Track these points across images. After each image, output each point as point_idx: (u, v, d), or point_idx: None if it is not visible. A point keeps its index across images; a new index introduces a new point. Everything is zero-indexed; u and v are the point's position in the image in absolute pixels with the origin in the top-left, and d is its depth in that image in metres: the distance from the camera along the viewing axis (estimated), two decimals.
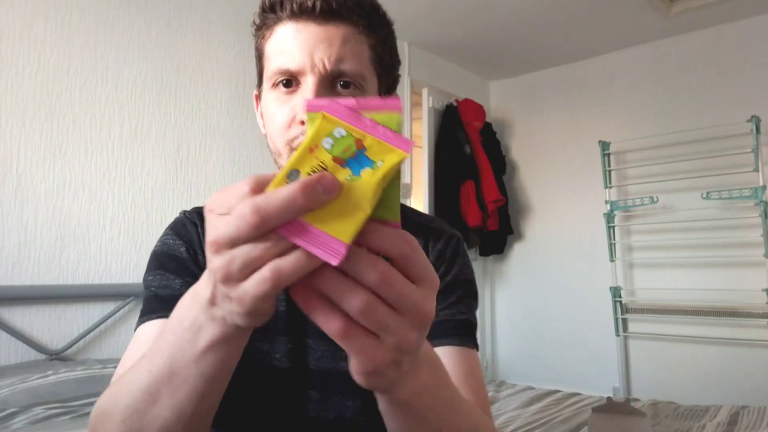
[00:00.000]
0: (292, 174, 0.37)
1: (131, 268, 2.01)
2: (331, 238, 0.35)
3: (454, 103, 3.43)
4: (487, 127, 3.59)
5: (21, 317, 1.74)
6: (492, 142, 3.58)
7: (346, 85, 0.67)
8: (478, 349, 0.74)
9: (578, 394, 1.99)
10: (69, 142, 1.89)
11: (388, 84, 0.74)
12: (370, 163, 0.37)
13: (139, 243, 2.04)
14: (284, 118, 0.67)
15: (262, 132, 0.74)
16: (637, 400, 2.00)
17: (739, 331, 2.91)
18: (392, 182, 0.38)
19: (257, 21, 0.71)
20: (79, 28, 1.94)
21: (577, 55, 3.53)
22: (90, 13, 1.97)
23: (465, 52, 3.51)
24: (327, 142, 0.38)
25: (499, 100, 3.99)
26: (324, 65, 0.65)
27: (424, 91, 3.29)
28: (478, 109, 3.51)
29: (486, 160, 3.39)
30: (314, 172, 0.37)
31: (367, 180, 0.37)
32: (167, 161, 2.15)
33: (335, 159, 0.37)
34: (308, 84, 0.65)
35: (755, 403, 1.92)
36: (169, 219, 2.13)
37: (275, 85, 0.68)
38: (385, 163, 0.37)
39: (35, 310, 1.77)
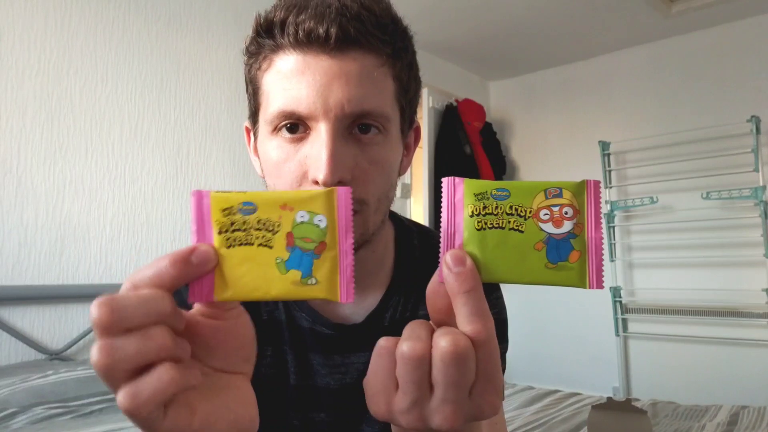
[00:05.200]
0: (248, 205, 0.36)
1: (131, 268, 2.00)
2: (210, 289, 0.35)
3: (454, 103, 3.43)
4: (487, 127, 3.59)
5: (21, 317, 1.74)
6: (492, 142, 3.58)
7: (365, 129, 0.56)
8: (503, 398, 0.71)
9: (578, 394, 1.99)
10: (69, 142, 1.88)
11: (410, 115, 0.64)
12: (309, 271, 0.35)
13: (139, 243, 2.04)
14: (292, 175, 0.55)
15: (258, 173, 0.64)
16: (637, 399, 2.00)
17: (739, 331, 2.91)
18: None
19: (250, 47, 0.59)
20: (79, 29, 1.94)
21: (577, 55, 3.53)
22: (90, 13, 1.97)
23: (465, 52, 3.51)
24: (301, 216, 0.36)
25: (499, 100, 3.99)
26: (342, 108, 0.53)
27: (424, 91, 3.29)
28: (478, 109, 3.51)
29: (486, 160, 3.39)
30: (250, 226, 0.35)
31: (290, 279, 0.35)
32: (167, 162, 2.15)
33: (288, 235, 0.35)
34: (321, 132, 0.53)
35: (755, 403, 1.92)
36: (170, 219, 2.14)
37: (277, 129, 0.56)
38: (315, 287, 0.35)
39: (35, 310, 1.77)
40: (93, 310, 0.32)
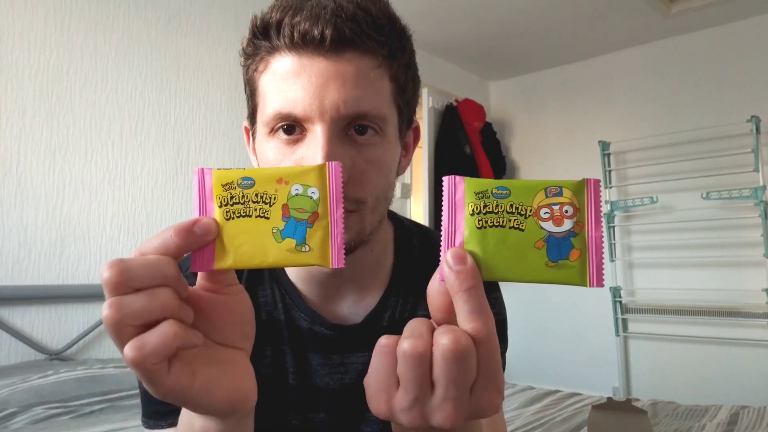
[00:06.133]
0: (247, 180, 0.38)
1: None
2: (211, 258, 0.37)
3: (454, 103, 3.43)
4: (487, 127, 3.59)
5: (21, 317, 1.74)
6: (492, 142, 3.58)
7: (362, 130, 0.56)
8: (504, 397, 0.71)
9: (578, 394, 1.99)
10: (69, 142, 1.88)
11: (408, 115, 0.64)
12: (303, 239, 0.37)
13: (139, 243, 2.03)
14: None
15: None
16: (637, 399, 2.00)
17: (739, 331, 2.91)
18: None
19: (247, 48, 0.59)
20: (79, 28, 1.94)
21: (576, 55, 3.53)
22: (90, 13, 1.97)
23: (464, 52, 3.51)
24: (296, 189, 0.38)
25: (499, 100, 3.99)
26: (337, 110, 0.53)
27: (424, 91, 3.29)
28: (478, 109, 3.51)
29: (486, 160, 3.39)
30: (248, 200, 0.38)
31: (285, 247, 0.37)
32: (167, 161, 2.15)
33: (284, 207, 0.38)
34: (317, 134, 0.53)
35: (755, 403, 1.92)
36: (170, 219, 2.14)
37: (274, 131, 0.56)
38: (309, 254, 0.37)
39: (35, 310, 1.77)
40: (104, 270, 0.34)
